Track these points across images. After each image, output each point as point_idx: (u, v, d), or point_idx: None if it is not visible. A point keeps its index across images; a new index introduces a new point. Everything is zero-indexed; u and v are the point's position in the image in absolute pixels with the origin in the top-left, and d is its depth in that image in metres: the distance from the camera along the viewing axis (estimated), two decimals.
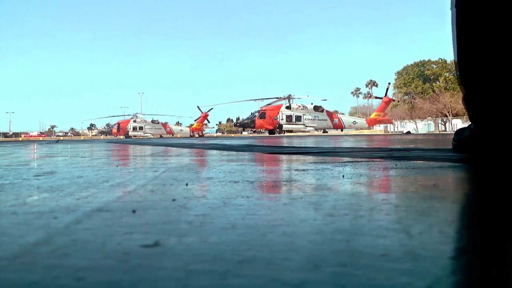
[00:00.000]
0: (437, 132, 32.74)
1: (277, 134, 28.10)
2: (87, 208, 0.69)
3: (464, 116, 42.10)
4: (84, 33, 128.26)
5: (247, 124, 31.16)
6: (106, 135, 40.51)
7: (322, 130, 30.66)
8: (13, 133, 60.77)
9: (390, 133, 34.64)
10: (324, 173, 1.21)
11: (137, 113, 39.59)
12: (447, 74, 47.32)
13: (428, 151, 2.40)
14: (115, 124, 38.55)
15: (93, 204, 0.73)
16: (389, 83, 35.67)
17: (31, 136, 55.83)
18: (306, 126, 29.88)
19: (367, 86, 66.95)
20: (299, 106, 30.44)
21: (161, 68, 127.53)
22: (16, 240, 0.50)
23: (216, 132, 54.68)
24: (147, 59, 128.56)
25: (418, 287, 0.33)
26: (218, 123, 74.01)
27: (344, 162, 1.61)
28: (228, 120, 75.38)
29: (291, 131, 29.29)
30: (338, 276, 0.36)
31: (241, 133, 42.37)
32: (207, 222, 0.57)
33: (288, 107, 30.11)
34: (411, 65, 53.09)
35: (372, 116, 34.29)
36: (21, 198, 0.82)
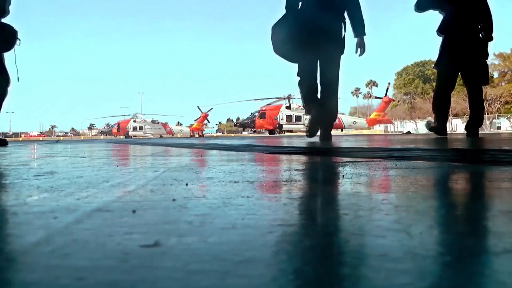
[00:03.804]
0: None
1: (277, 134, 28.08)
2: (87, 208, 0.69)
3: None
4: (84, 33, 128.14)
5: (247, 124, 31.13)
6: (106, 135, 40.49)
7: None
8: (13, 133, 60.76)
9: (390, 133, 34.63)
10: (324, 173, 1.21)
11: (137, 113, 39.55)
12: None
13: (427, 151, 2.40)
14: (115, 124, 38.52)
15: (93, 204, 0.73)
16: (389, 83, 35.63)
17: (31, 136, 55.82)
18: (306, 126, 29.83)
19: (367, 86, 66.96)
20: (299, 106, 30.38)
21: (161, 68, 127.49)
22: (16, 240, 0.50)
23: (216, 132, 54.67)
24: (148, 59, 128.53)
25: (416, 287, 0.33)
26: (218, 123, 74.03)
27: (344, 162, 1.61)
28: (228, 120, 75.39)
29: (291, 131, 29.26)
30: (338, 276, 0.36)
31: (241, 133, 42.36)
32: (207, 222, 0.57)
33: (288, 107, 30.08)
34: (411, 65, 53.08)
35: (372, 116, 34.26)
36: (21, 198, 0.82)
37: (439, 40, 5.13)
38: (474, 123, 5.00)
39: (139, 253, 0.43)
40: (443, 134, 5.13)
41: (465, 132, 5.15)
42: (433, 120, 5.34)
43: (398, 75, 53.49)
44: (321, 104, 4.54)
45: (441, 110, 5.13)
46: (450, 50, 4.84)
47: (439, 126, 5.13)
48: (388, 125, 41.88)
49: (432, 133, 5.31)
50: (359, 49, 4.48)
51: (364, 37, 4.45)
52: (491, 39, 4.90)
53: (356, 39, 4.49)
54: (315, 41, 4.24)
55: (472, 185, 0.98)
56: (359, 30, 4.42)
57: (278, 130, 29.65)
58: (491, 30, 4.88)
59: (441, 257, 0.41)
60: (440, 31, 4.93)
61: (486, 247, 0.45)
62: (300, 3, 4.34)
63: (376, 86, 65.38)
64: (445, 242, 0.48)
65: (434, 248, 0.45)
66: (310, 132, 4.89)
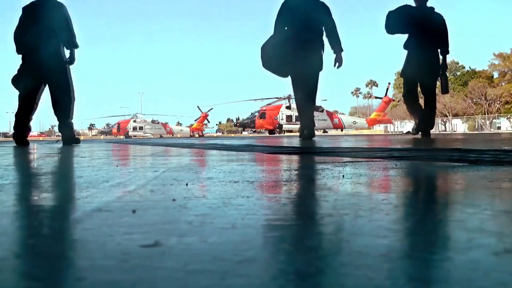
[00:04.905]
0: (437, 132, 32.72)
1: (277, 134, 28.08)
2: (87, 208, 0.69)
3: (464, 116, 42.11)
4: (83, 32, 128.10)
5: (247, 124, 31.13)
6: (106, 135, 40.37)
7: (322, 130, 30.58)
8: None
9: (390, 133, 34.60)
10: (324, 173, 1.21)
11: (137, 113, 39.51)
12: (447, 74, 47.30)
13: (426, 151, 2.40)
14: (115, 124, 38.48)
15: (93, 204, 0.73)
16: (389, 83, 35.54)
17: (31, 136, 55.75)
18: (299, 130, 29.73)
19: (367, 86, 66.94)
20: None
21: (161, 68, 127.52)
22: (16, 240, 0.50)
23: (216, 132, 54.59)
24: (148, 59, 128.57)
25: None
26: (218, 123, 73.96)
27: (344, 162, 1.61)
28: (228, 120, 75.37)
29: (291, 131, 29.23)
30: (338, 276, 0.36)
31: (241, 133, 42.31)
32: (207, 222, 0.57)
33: (288, 107, 30.07)
34: None
35: (372, 116, 34.24)
36: (21, 198, 0.82)
37: None
38: (426, 125, 5.86)
39: (139, 253, 0.43)
40: (428, 133, 5.89)
41: (420, 132, 5.96)
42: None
43: (398, 75, 53.51)
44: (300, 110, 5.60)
45: (416, 111, 5.91)
46: (412, 63, 5.77)
47: (421, 126, 5.87)
48: (388, 125, 41.85)
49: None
50: (337, 63, 5.27)
51: (342, 53, 5.26)
52: (447, 52, 5.89)
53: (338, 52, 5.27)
54: (298, 59, 5.03)
55: (472, 185, 0.98)
56: (335, 47, 5.20)
57: (278, 130, 29.63)
58: (448, 46, 5.85)
59: (440, 255, 0.41)
60: (405, 47, 5.89)
61: (483, 245, 0.45)
62: (285, 27, 5.21)
63: (376, 86, 65.39)
64: (446, 241, 0.48)
65: (434, 247, 0.45)
66: (310, 134, 5.48)
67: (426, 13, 5.68)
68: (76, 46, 4.91)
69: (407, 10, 5.69)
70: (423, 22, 5.57)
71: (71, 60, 4.90)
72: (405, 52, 5.89)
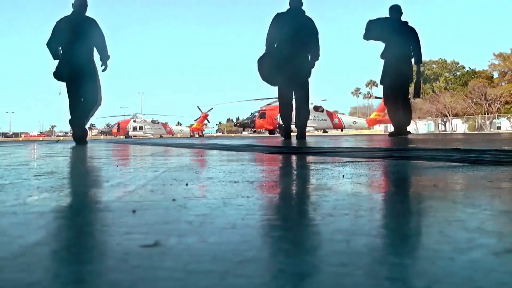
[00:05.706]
0: (437, 132, 32.70)
1: (277, 134, 28.05)
2: (87, 208, 0.69)
3: (464, 116, 42.11)
4: None
5: (247, 124, 31.10)
6: (106, 135, 40.34)
7: (322, 130, 30.55)
8: (13, 133, 60.91)
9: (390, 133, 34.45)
10: (324, 173, 1.20)
11: (137, 113, 39.48)
12: (447, 74, 47.27)
13: (425, 151, 2.40)
14: (115, 124, 38.46)
15: (93, 204, 0.73)
16: None
17: (31, 136, 55.89)
18: (307, 126, 29.71)
19: (367, 86, 66.92)
20: None
21: (161, 67, 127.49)
22: (16, 240, 0.50)
23: (216, 132, 54.60)
24: (147, 59, 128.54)
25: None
26: (218, 123, 73.98)
27: (344, 162, 1.61)
28: (228, 120, 75.38)
29: (291, 131, 29.19)
30: (338, 276, 0.36)
31: (241, 133, 42.30)
32: (207, 222, 0.57)
33: None
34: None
35: (372, 116, 34.20)
36: (21, 198, 0.82)
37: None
38: (405, 123, 6.47)
39: (139, 253, 0.43)
40: (405, 133, 6.51)
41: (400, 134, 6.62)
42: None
43: None
44: (296, 112, 6.29)
45: (396, 115, 6.51)
46: (389, 71, 6.37)
47: (399, 129, 6.48)
48: (388, 125, 41.80)
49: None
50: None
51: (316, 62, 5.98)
52: (420, 62, 6.58)
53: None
54: (290, 70, 5.71)
55: (472, 185, 0.98)
56: (313, 56, 5.87)
57: (278, 130, 29.60)
58: (420, 55, 6.47)
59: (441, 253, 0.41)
60: (381, 56, 6.49)
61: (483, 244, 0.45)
62: (276, 43, 5.86)
63: (376, 86, 65.20)
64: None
65: (435, 247, 0.45)
66: (286, 135, 6.48)
67: (401, 26, 6.35)
68: (109, 58, 5.52)
69: (385, 22, 6.34)
70: (398, 33, 6.22)
71: (105, 67, 5.48)
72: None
